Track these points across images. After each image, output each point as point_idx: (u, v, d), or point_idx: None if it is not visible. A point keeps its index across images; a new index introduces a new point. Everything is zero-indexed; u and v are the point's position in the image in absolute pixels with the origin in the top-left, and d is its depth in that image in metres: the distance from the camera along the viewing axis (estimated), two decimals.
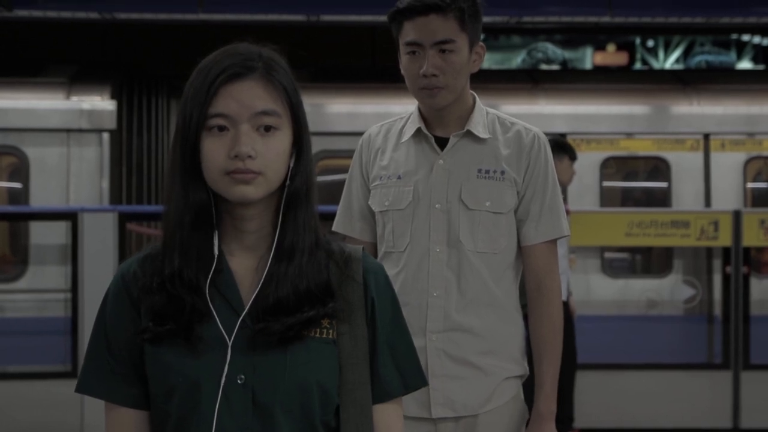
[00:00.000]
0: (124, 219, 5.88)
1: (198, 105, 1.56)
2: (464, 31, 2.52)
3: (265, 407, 1.55)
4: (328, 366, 1.59)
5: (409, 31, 2.52)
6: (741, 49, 14.50)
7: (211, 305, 1.56)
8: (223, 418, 1.54)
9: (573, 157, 6.13)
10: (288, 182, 1.61)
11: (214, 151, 1.55)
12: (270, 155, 1.57)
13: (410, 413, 2.57)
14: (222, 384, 1.54)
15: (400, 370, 1.66)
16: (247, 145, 1.54)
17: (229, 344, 1.55)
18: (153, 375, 1.58)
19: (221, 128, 1.56)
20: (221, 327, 1.56)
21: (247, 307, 1.57)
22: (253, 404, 1.55)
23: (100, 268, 5.73)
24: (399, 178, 2.60)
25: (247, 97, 1.56)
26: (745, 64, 14.36)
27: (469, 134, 2.60)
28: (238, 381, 1.55)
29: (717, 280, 6.69)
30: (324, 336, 1.59)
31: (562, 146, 6.08)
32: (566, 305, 6.25)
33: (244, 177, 1.55)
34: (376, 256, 2.68)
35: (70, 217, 5.91)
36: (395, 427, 1.68)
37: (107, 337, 1.61)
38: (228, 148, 1.55)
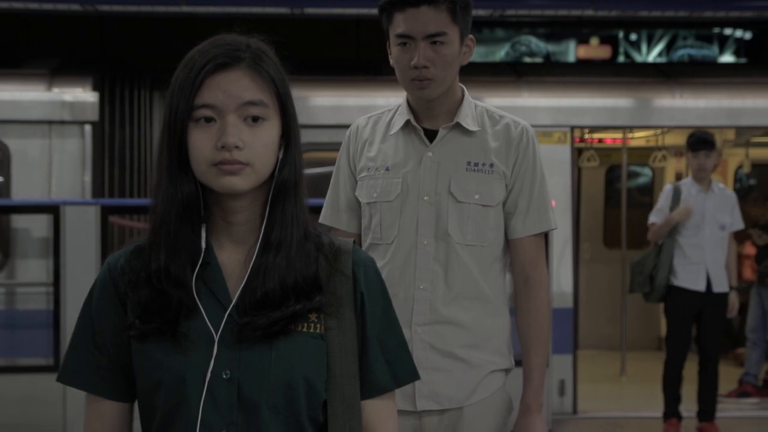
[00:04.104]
0: (106, 212, 5.83)
1: (184, 96, 1.54)
2: (455, 24, 2.51)
3: (250, 402, 1.54)
4: (315, 361, 1.57)
5: (400, 23, 2.51)
6: (723, 42, 14.56)
7: (198, 300, 1.55)
8: (208, 414, 1.53)
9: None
10: (276, 174, 1.59)
11: (200, 142, 1.54)
12: (257, 146, 1.55)
13: None
14: (207, 379, 1.52)
15: (390, 364, 1.65)
16: (233, 135, 1.52)
17: (216, 339, 1.54)
18: (140, 370, 1.57)
19: (208, 119, 1.54)
20: (208, 322, 1.54)
21: (234, 300, 1.56)
22: (238, 399, 1.53)
23: (83, 262, 5.69)
24: (387, 169, 2.60)
25: (234, 88, 1.55)
26: (727, 58, 14.41)
27: (458, 127, 2.59)
28: (224, 376, 1.53)
29: None
30: (312, 330, 1.58)
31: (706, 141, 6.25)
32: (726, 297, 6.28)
33: (231, 168, 1.53)
34: (361, 247, 2.68)
35: (52, 210, 5.87)
36: (388, 422, 1.67)
37: (92, 328, 1.60)
38: (215, 139, 1.53)
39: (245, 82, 1.55)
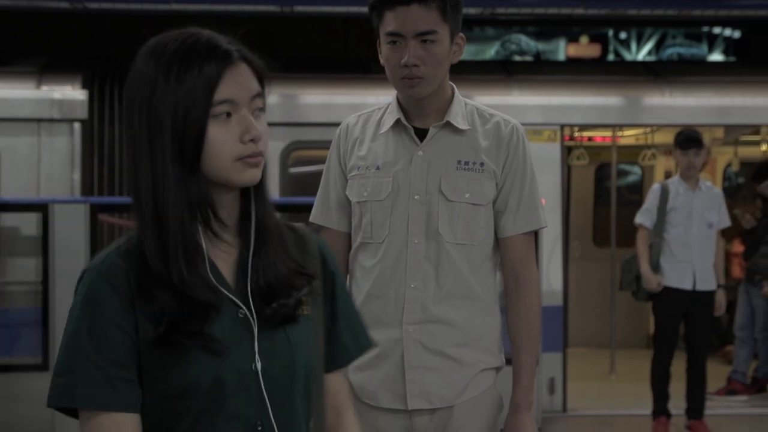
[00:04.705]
0: (95, 210, 5.81)
1: (202, 92, 1.51)
2: (446, 22, 2.50)
3: (280, 391, 1.56)
4: (315, 342, 1.63)
5: (390, 21, 2.50)
6: (712, 41, 14.61)
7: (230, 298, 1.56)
8: (244, 408, 1.53)
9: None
10: None
11: (224, 137, 1.52)
12: (266, 136, 1.57)
13: (386, 404, 2.58)
14: (260, 370, 1.53)
15: (355, 335, 1.73)
16: (258, 128, 1.54)
17: (255, 333, 1.55)
18: (161, 376, 1.51)
19: (227, 114, 1.53)
20: (250, 316, 1.55)
21: (249, 294, 1.56)
22: (267, 390, 1.54)
23: (72, 260, 5.68)
24: (378, 168, 2.59)
25: (244, 80, 1.55)
26: (716, 57, 14.47)
27: (449, 125, 2.59)
28: (253, 369, 1.54)
29: None
30: (306, 313, 1.62)
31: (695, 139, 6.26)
32: None
33: (256, 160, 1.54)
34: (350, 246, 2.67)
35: (41, 208, 5.85)
36: (349, 393, 1.76)
37: (98, 342, 1.50)
38: (238, 133, 1.53)
39: (249, 74, 1.56)
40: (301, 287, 1.59)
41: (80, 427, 1.50)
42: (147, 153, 1.52)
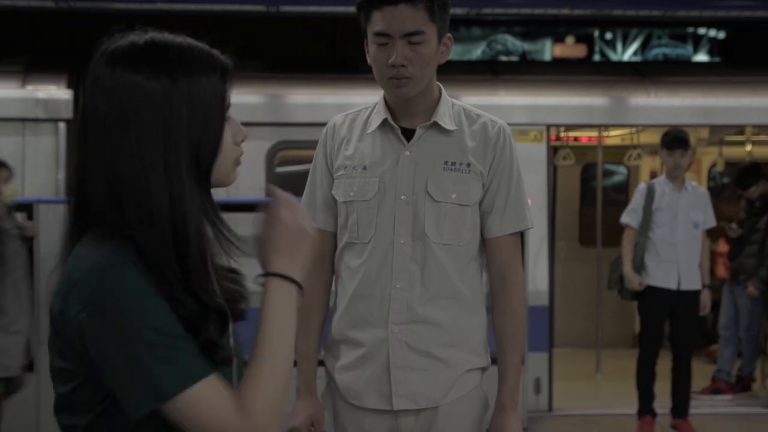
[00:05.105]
0: None
1: (218, 99, 1.54)
2: (433, 22, 2.50)
3: (239, 382, 1.59)
4: None
5: (377, 21, 2.49)
6: (697, 42, 14.68)
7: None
8: None
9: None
10: None
11: (228, 140, 1.57)
12: None
13: (371, 405, 2.57)
14: (234, 365, 1.57)
15: None
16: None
17: (231, 331, 1.56)
18: None
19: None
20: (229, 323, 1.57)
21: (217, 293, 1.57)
22: (237, 383, 1.57)
23: (57, 260, 5.65)
24: (364, 168, 2.59)
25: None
26: (701, 57, 14.54)
27: (436, 126, 2.59)
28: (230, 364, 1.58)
29: None
30: None
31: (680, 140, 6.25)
32: None
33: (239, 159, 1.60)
34: (336, 245, 2.67)
35: (26, 208, 5.83)
36: None
37: (164, 326, 1.44)
38: (233, 136, 1.58)
39: None
40: (241, 284, 1.63)
41: (177, 414, 1.44)
42: (161, 165, 1.48)
